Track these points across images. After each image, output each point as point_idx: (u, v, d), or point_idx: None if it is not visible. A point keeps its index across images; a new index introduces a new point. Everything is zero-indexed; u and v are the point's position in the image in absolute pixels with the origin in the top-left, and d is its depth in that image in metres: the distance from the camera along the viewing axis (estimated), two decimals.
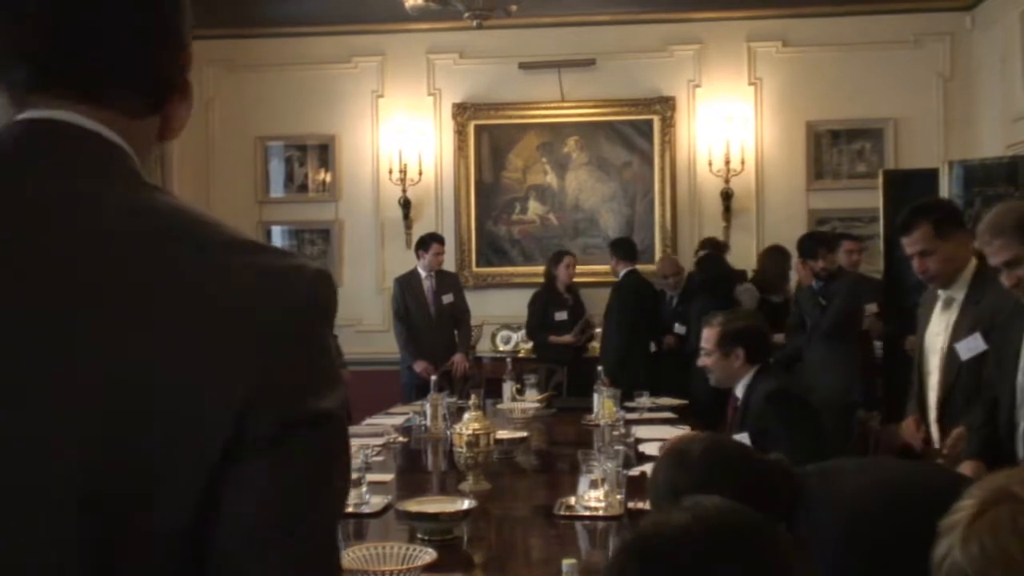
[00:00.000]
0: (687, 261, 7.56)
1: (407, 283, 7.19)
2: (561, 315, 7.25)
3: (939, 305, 3.66)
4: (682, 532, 1.25)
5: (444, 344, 7.14)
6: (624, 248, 7.15)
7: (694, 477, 2.33)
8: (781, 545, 1.26)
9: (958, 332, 3.51)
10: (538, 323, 7.34)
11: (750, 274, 7.29)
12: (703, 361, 3.92)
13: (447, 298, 7.18)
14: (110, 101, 0.96)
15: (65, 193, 0.90)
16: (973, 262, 3.57)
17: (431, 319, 7.14)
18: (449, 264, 7.97)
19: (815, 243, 6.31)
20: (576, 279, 7.54)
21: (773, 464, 2.41)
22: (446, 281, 7.27)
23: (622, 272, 7.03)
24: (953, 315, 3.57)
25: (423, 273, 7.19)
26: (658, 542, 1.26)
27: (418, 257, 7.21)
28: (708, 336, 3.85)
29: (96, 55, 0.95)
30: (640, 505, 3.25)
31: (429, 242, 7.19)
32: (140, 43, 0.98)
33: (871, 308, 6.30)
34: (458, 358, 7.12)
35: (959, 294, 3.55)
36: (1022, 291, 2.97)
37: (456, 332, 7.24)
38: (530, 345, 7.73)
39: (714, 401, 5.56)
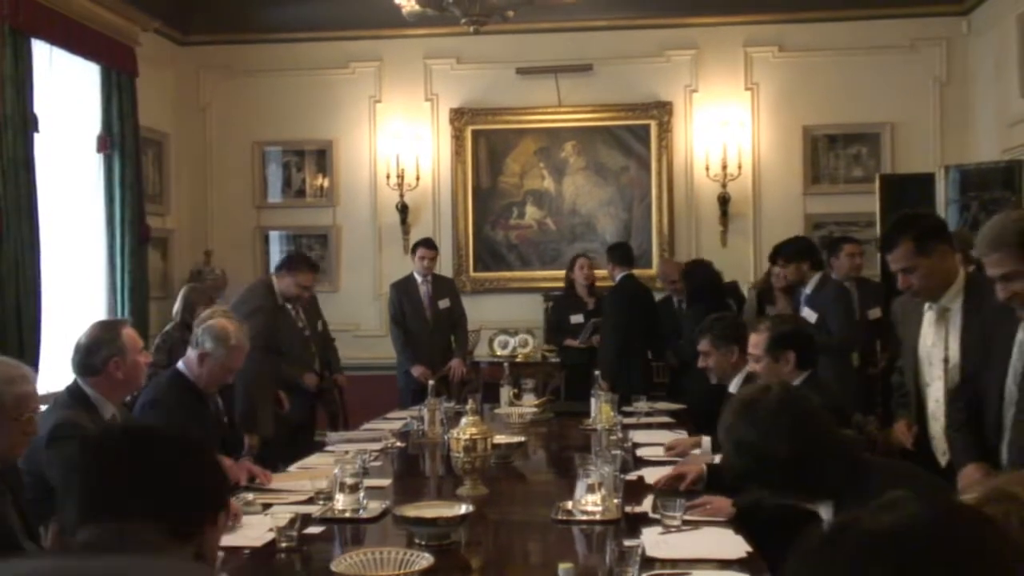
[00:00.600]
0: None
1: (404, 288, 7.19)
2: (577, 318, 7.20)
3: (931, 315, 3.57)
4: (914, 524, 1.17)
5: (441, 349, 7.13)
6: (620, 253, 7.13)
7: (757, 431, 2.31)
8: (1008, 549, 1.19)
9: (968, 343, 3.42)
10: (554, 326, 7.37)
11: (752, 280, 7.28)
12: (752, 367, 3.82)
13: (443, 303, 7.17)
14: (151, 527, 1.47)
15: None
16: (962, 271, 3.50)
17: (428, 324, 7.14)
18: (447, 269, 7.98)
19: (774, 251, 6.12)
20: None
21: (841, 440, 2.36)
22: (442, 286, 7.27)
23: (618, 277, 7.02)
24: (954, 325, 3.48)
25: (419, 278, 7.18)
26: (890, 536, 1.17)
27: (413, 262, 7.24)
28: (756, 342, 3.74)
29: (140, 511, 1.49)
30: (637, 509, 3.26)
31: (416, 247, 7.21)
32: (172, 502, 1.51)
33: (875, 313, 6.23)
34: (455, 363, 7.10)
35: (954, 303, 3.47)
36: (1017, 304, 2.94)
37: (453, 337, 7.25)
38: (527, 349, 7.75)
39: (708, 406, 5.56)
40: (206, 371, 3.99)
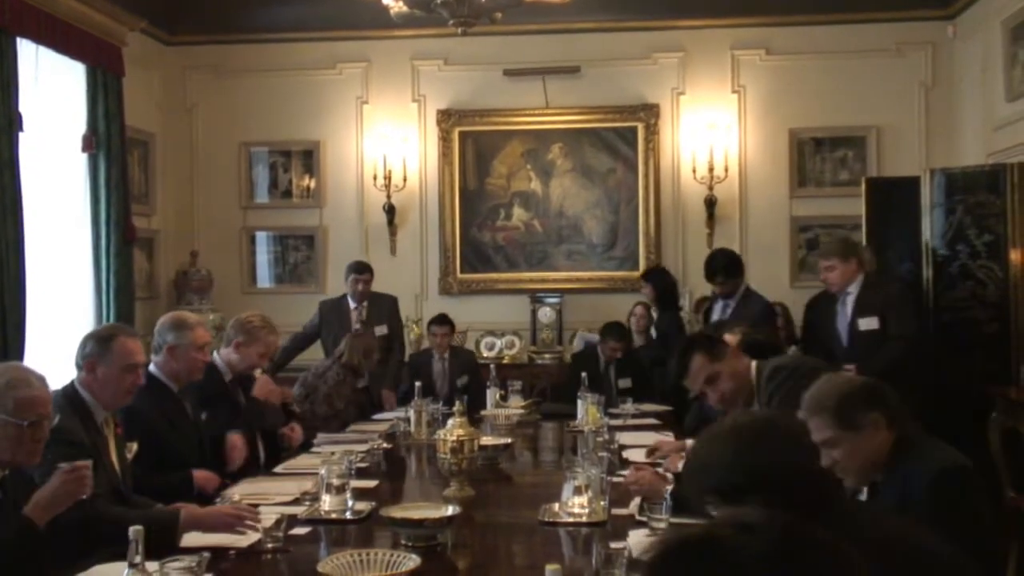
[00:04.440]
0: (671, 267, 7.59)
1: (333, 309, 6.74)
2: None
3: None
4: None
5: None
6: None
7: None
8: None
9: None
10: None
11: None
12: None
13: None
14: None
15: None
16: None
17: None
18: (433, 271, 7.99)
19: None
20: (559, 285, 7.85)
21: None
22: (379, 310, 6.74)
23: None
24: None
25: (352, 303, 6.74)
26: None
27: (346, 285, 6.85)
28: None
29: None
30: (624, 511, 3.26)
31: (348, 272, 6.79)
32: None
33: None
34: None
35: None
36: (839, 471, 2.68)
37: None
38: (514, 351, 7.77)
39: (674, 408, 5.64)
40: (182, 363, 3.95)
